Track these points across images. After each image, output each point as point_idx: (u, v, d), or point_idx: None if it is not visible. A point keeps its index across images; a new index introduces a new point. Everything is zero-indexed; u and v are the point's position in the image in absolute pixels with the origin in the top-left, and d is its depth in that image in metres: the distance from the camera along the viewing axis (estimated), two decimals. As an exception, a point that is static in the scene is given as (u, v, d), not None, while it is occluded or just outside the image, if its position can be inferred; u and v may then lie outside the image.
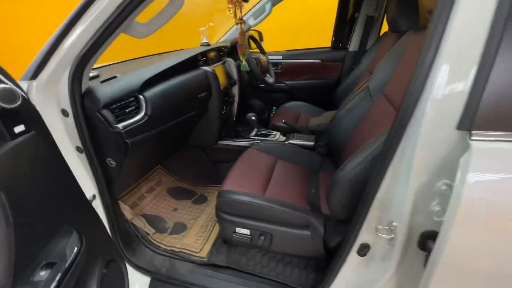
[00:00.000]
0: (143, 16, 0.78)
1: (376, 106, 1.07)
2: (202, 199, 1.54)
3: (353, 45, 2.01)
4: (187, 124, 1.32)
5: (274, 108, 2.38)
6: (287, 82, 2.26)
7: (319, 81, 2.20)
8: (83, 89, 0.78)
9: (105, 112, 0.84)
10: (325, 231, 0.93)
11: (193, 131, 1.48)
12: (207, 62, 1.41)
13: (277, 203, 0.97)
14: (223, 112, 1.51)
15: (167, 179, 1.67)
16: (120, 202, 1.21)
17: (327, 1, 2.65)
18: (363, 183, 0.67)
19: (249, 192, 1.03)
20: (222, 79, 1.48)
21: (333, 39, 2.08)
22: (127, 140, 0.88)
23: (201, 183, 1.66)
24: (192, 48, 1.51)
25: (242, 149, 1.59)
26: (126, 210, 1.25)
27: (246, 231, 1.01)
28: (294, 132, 1.64)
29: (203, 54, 1.37)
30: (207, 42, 1.46)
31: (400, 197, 0.60)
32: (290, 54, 2.20)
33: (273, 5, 1.90)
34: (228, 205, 1.01)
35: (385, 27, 1.94)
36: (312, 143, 1.49)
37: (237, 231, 1.02)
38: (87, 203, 0.76)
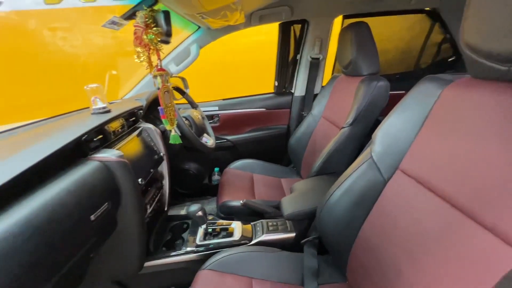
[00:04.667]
0: None
1: (397, 188, 0.71)
2: None
3: (299, 89, 1.75)
4: (75, 267, 0.66)
5: (216, 169, 1.87)
6: (229, 137, 1.81)
7: (267, 132, 1.84)
8: None
9: None
10: None
11: (91, 263, 0.80)
12: (107, 141, 0.81)
13: None
14: (147, 215, 0.91)
15: None
16: None
17: (259, 42, 2.44)
18: None
19: None
20: (139, 159, 0.90)
21: (276, 83, 1.79)
22: None
23: None
24: (75, 115, 0.88)
25: (189, 266, 0.99)
26: None
27: None
28: (259, 216, 1.16)
29: (99, 130, 0.77)
30: (103, 108, 0.87)
31: None
32: (228, 103, 1.79)
33: (201, 47, 1.49)
34: None
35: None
36: (292, 235, 1.03)
37: None
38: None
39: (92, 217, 0.62)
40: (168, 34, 0.73)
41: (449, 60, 1.78)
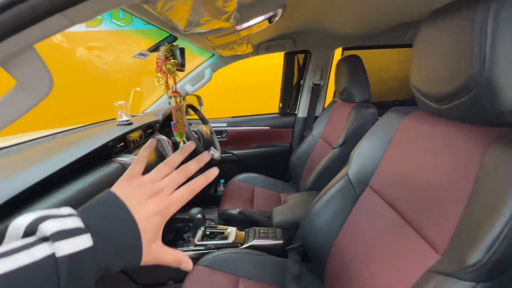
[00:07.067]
0: None
1: (365, 202, 0.82)
2: None
3: (301, 111, 1.90)
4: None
5: (222, 181, 2.01)
6: (235, 152, 1.97)
7: (270, 148, 1.98)
8: None
9: None
10: None
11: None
12: (127, 148, 0.99)
13: None
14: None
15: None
16: None
17: (271, 65, 2.65)
18: None
19: None
20: (152, 165, 1.06)
21: (280, 105, 1.95)
22: None
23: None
24: (102, 124, 1.07)
25: (185, 263, 1.12)
26: None
27: None
28: (254, 224, 1.27)
29: (122, 138, 0.95)
30: (127, 120, 1.06)
31: None
32: (236, 121, 1.96)
33: (214, 71, 1.69)
34: None
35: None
36: (280, 242, 1.13)
37: None
38: None
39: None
40: (182, 65, 0.91)
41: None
